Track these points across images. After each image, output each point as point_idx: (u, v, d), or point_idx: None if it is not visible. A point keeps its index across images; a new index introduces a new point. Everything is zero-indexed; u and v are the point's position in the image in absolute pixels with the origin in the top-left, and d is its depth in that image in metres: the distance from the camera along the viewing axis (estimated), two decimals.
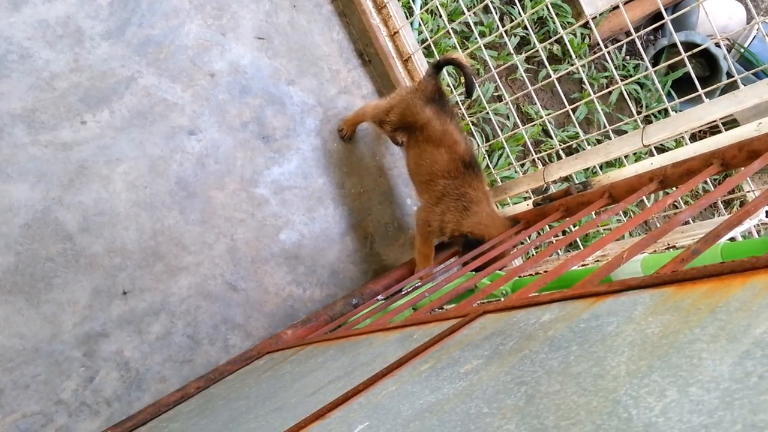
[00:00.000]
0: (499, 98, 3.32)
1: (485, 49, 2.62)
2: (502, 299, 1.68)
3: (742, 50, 3.96)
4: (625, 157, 2.14)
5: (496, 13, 2.62)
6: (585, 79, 2.47)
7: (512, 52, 2.53)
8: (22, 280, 1.88)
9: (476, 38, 2.53)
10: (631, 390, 0.61)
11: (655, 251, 1.80)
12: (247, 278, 2.21)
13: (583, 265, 1.90)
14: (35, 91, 2.03)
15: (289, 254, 2.30)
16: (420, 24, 2.97)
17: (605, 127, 2.20)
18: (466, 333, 1.11)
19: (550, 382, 0.75)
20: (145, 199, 2.11)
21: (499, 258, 1.89)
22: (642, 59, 3.86)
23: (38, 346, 1.86)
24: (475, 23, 3.35)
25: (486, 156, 3.02)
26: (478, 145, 2.84)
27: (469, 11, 2.58)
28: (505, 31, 2.37)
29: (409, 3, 3.06)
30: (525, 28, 3.46)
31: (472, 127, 2.78)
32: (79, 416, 1.87)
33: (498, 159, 3.11)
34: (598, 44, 3.78)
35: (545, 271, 2.02)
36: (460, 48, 2.64)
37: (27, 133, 1.99)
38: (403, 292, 1.94)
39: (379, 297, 2.07)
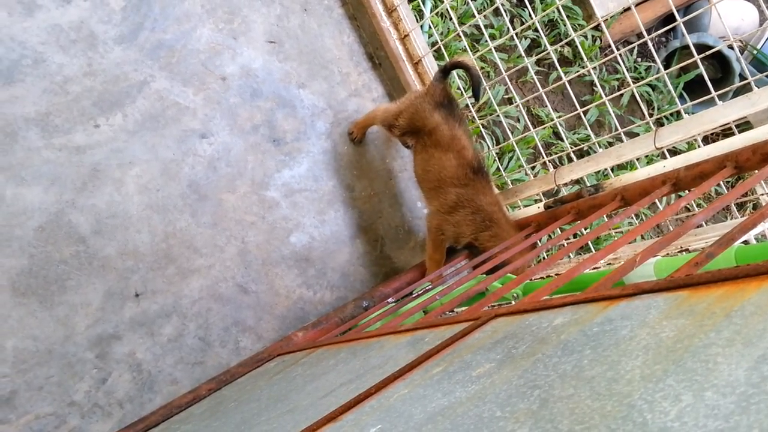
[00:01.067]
0: (510, 101, 3.31)
1: (495, 51, 2.61)
2: (514, 302, 1.68)
3: (755, 52, 3.94)
4: (637, 159, 2.13)
5: (506, 15, 2.61)
6: (596, 82, 2.47)
7: (523, 54, 2.53)
8: (35, 283, 1.89)
9: (486, 41, 2.52)
10: (645, 394, 0.61)
11: (668, 254, 1.79)
12: (258, 281, 2.21)
13: (594, 269, 1.89)
14: (49, 95, 2.05)
15: (299, 257, 2.31)
16: (430, 27, 2.98)
17: (617, 129, 2.19)
18: (478, 336, 1.11)
19: (563, 386, 0.75)
20: (157, 202, 2.12)
21: (509, 261, 1.89)
22: (653, 61, 3.84)
23: (51, 348, 1.87)
24: (486, 26, 3.34)
25: (496, 159, 3.01)
26: (489, 148, 2.83)
27: (479, 14, 2.58)
28: (516, 34, 2.36)
29: (419, 6, 3.06)
30: (535, 30, 3.45)
31: (482, 129, 2.77)
32: (92, 417, 1.88)
33: (508, 162, 3.10)
34: (609, 46, 3.77)
35: (557, 274, 2.01)
36: (471, 51, 2.64)
37: (41, 136, 2.01)
38: (413, 295, 1.94)
39: (390, 300, 2.07)
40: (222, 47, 2.39)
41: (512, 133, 3.20)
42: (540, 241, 2.18)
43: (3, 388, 1.79)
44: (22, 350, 1.84)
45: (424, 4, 3.07)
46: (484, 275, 1.81)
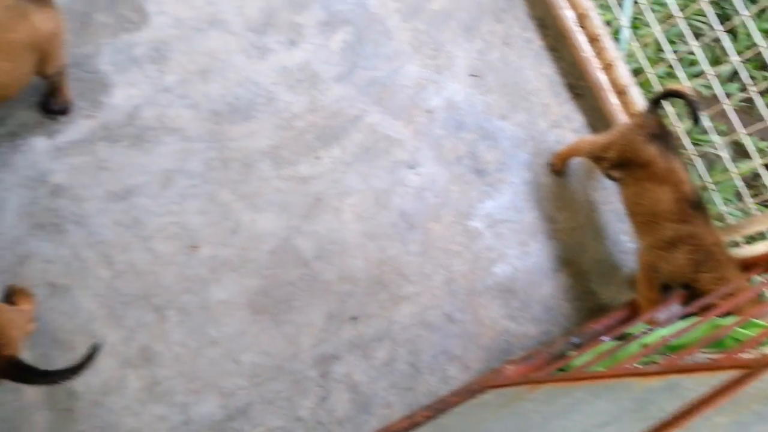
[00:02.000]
0: (714, 129, 3.10)
1: (698, 78, 2.49)
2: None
3: None
4: None
5: (705, 41, 2.46)
6: None
7: (743, 80, 2.37)
8: (268, 302, 2.06)
9: (690, 68, 2.40)
10: None
11: None
12: (463, 310, 2.24)
13: None
14: (278, 130, 2.24)
15: (502, 288, 2.31)
16: (629, 55, 2.88)
17: None
18: (759, 386, 1.04)
19: None
20: (370, 230, 2.24)
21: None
22: None
23: (281, 365, 2.02)
24: (689, 53, 3.17)
25: (710, 191, 2.83)
26: (701, 180, 2.67)
27: (679, 41, 2.46)
28: (718, 60, 2.22)
29: (616, 34, 2.97)
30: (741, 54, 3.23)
31: (691, 160, 2.63)
32: None
33: (722, 195, 2.89)
34: None
35: None
36: (684, 78, 2.51)
37: (272, 167, 2.19)
38: (635, 335, 1.85)
39: (605, 338, 2.00)
40: (427, 82, 2.49)
41: (717, 164, 3.00)
42: None
43: (241, 399, 1.95)
44: (257, 365, 2.00)
45: (621, 32, 2.98)
46: (719, 320, 1.70)
